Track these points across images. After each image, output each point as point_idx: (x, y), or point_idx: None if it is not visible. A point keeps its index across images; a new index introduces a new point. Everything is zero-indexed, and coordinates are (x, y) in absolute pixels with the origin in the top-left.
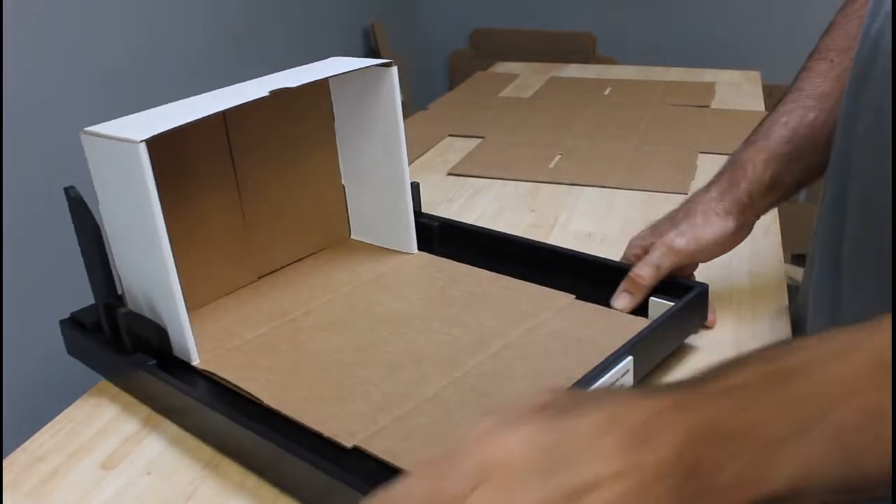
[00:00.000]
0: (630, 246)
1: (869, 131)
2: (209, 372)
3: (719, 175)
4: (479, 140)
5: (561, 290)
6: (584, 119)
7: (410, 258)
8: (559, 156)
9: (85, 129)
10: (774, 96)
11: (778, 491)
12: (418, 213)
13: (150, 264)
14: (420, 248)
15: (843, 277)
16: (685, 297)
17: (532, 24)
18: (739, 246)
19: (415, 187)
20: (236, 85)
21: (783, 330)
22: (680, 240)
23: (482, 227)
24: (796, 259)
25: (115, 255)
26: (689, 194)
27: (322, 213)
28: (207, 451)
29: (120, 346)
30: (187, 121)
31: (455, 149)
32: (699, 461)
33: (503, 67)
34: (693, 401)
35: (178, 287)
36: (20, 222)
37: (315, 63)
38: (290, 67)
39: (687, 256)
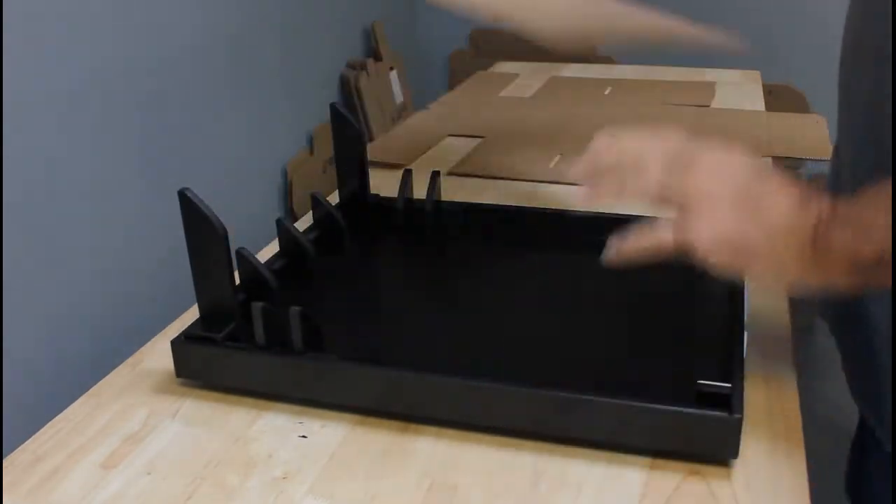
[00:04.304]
0: None
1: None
2: None
3: None
4: (479, 140)
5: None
6: (584, 119)
7: None
8: (559, 156)
9: None
10: (774, 96)
11: (867, 258)
12: (438, 201)
13: None
14: (443, 231)
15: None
16: None
17: None
18: None
19: (434, 177)
20: None
21: (784, 330)
22: None
23: (504, 205)
24: None
25: None
26: None
27: None
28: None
29: (280, 348)
30: None
31: (455, 149)
32: (825, 234)
33: (503, 67)
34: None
35: None
36: (20, 222)
37: None
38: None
39: None
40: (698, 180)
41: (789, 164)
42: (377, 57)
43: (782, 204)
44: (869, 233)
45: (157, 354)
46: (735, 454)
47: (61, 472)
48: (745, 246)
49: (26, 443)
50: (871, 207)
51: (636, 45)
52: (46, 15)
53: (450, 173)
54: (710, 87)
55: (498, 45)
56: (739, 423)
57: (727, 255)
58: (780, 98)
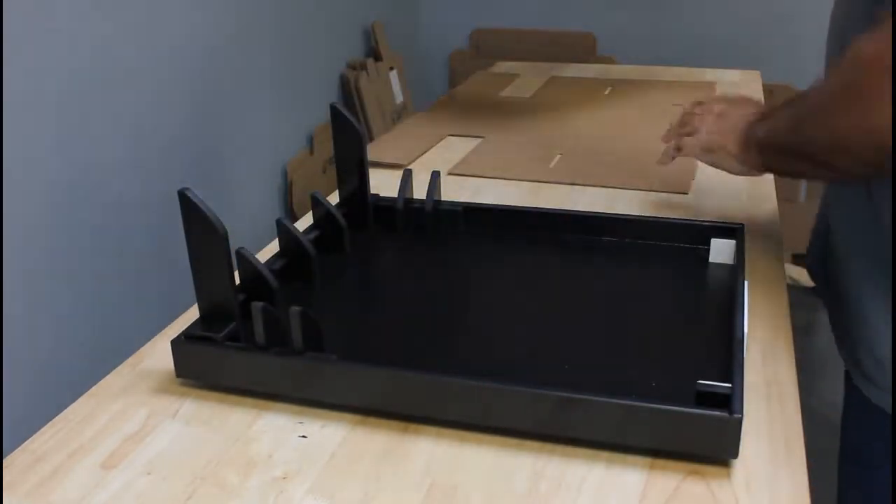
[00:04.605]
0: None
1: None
2: None
3: None
4: (479, 140)
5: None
6: (583, 119)
7: None
8: (559, 156)
9: None
10: (774, 96)
11: (762, 141)
12: (438, 201)
13: None
14: (443, 231)
15: None
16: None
17: (532, 24)
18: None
19: (434, 178)
20: None
21: (784, 329)
22: None
23: (504, 206)
24: (796, 259)
25: None
26: (690, 192)
27: None
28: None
29: (280, 348)
30: None
31: (455, 149)
32: (751, 126)
33: (503, 67)
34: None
35: None
36: (20, 222)
37: None
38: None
39: None
40: (709, 118)
41: None
42: (377, 57)
43: (744, 117)
44: (766, 122)
45: (157, 354)
46: (735, 454)
47: (61, 472)
48: (714, 142)
49: (26, 443)
50: (778, 108)
51: None
52: (47, 15)
53: (450, 173)
54: (710, 87)
55: (498, 45)
56: (739, 423)
57: (705, 151)
58: (780, 98)
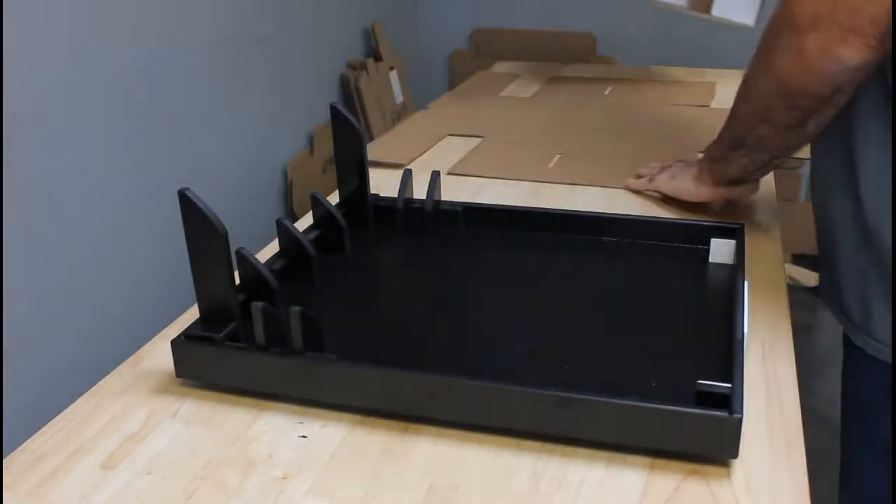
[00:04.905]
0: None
1: None
2: None
3: None
4: (479, 140)
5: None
6: (583, 119)
7: None
8: (559, 156)
9: None
10: None
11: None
12: (438, 201)
13: None
14: (443, 231)
15: None
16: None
17: (532, 24)
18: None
19: (434, 177)
20: None
21: (784, 329)
22: None
23: (504, 205)
24: (796, 259)
25: None
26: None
27: None
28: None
29: (280, 348)
30: None
31: (455, 148)
32: (710, 167)
33: (503, 67)
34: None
35: None
36: (20, 221)
37: None
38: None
39: None
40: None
41: (789, 164)
42: (377, 57)
43: (691, 172)
44: (710, 154)
45: (157, 354)
46: (735, 454)
47: (61, 472)
48: (672, 188)
49: (26, 443)
50: (714, 143)
51: None
52: (48, 15)
53: (450, 173)
54: (710, 87)
55: (498, 45)
56: (739, 423)
57: (669, 176)
58: None
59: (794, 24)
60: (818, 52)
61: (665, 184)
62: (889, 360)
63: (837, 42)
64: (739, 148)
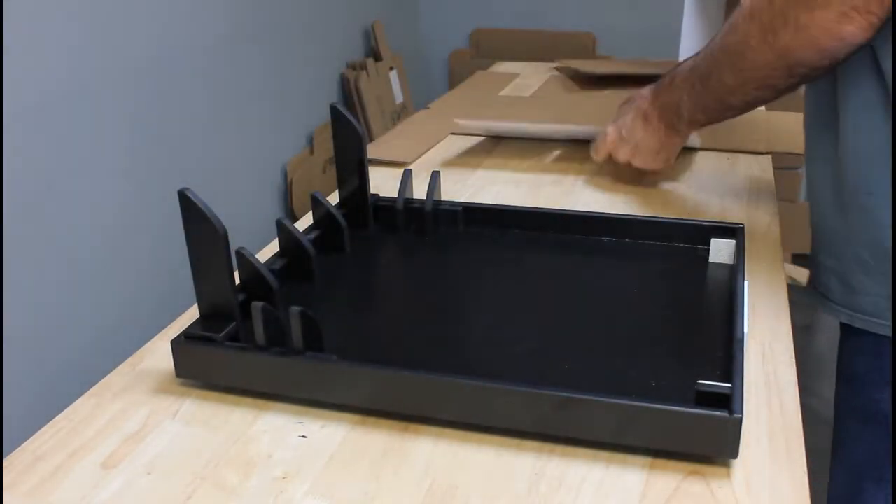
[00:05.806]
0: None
1: None
2: None
3: None
4: (479, 140)
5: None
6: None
7: None
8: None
9: None
10: None
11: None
12: (438, 201)
13: None
14: (443, 231)
15: None
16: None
17: (532, 24)
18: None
19: (434, 178)
20: None
21: (784, 329)
22: None
23: (504, 205)
24: (796, 259)
25: None
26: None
27: None
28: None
29: (280, 348)
30: None
31: (455, 148)
32: (662, 108)
33: (503, 67)
34: (659, 91)
35: None
36: (19, 222)
37: None
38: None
39: None
40: (621, 146)
41: (789, 164)
42: (377, 57)
43: (638, 115)
44: (678, 105)
45: (157, 354)
46: (735, 454)
47: (61, 472)
48: (622, 136)
49: (26, 443)
50: (669, 86)
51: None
52: (49, 15)
53: (450, 173)
54: None
55: (498, 45)
56: (739, 423)
57: (617, 144)
58: None
59: (800, 0)
60: (824, 30)
61: (633, 159)
62: (877, 331)
63: (844, 20)
64: (728, 111)
